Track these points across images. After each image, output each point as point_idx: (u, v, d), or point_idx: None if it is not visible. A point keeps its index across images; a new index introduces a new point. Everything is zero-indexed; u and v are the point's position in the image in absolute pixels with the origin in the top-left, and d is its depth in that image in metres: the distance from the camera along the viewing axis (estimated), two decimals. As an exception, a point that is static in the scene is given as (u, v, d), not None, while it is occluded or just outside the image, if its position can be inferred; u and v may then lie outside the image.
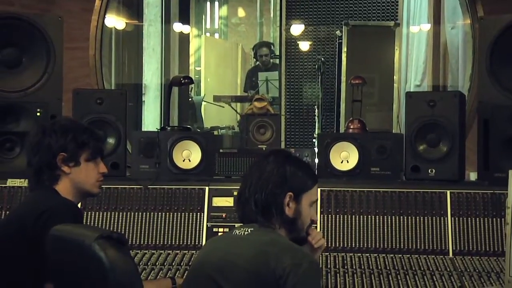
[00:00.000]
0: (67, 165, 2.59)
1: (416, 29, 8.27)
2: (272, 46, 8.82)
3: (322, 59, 6.11)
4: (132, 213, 3.36)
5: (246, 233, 2.31)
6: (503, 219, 3.18)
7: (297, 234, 2.41)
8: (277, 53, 7.57)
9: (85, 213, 3.31)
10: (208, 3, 12.78)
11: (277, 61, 7.70)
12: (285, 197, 2.34)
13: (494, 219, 3.23)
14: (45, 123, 2.81)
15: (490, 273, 3.01)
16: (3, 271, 2.45)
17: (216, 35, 12.88)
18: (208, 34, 12.53)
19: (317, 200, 2.49)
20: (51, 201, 2.51)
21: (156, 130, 3.68)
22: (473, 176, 3.77)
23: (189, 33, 10.70)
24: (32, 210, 2.46)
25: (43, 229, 2.38)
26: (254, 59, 9.11)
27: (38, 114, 3.57)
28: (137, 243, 3.28)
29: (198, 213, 3.33)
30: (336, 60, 6.27)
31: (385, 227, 3.25)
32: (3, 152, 3.59)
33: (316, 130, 5.94)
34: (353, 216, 3.28)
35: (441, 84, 7.79)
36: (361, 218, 3.27)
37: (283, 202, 2.34)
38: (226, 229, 3.26)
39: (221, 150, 3.62)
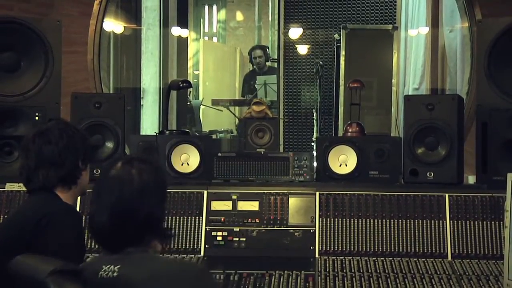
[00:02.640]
0: (83, 169, 2.68)
1: (414, 32, 8.27)
2: (267, 49, 8.82)
3: (320, 62, 6.13)
4: (131, 217, 3.35)
5: (115, 273, 1.96)
6: (501, 222, 3.18)
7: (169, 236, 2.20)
8: (275, 56, 7.58)
9: (84, 217, 3.30)
10: (206, 7, 12.78)
11: (274, 64, 7.71)
12: (163, 210, 2.14)
13: (493, 222, 3.23)
14: (59, 124, 2.75)
15: (489, 276, 3.01)
16: (2, 273, 2.45)
17: (215, 39, 12.88)
18: (206, 38, 12.53)
19: None
20: (52, 206, 2.51)
21: (155, 134, 3.68)
22: (471, 179, 3.77)
23: (187, 37, 10.70)
24: (32, 214, 2.46)
25: (43, 233, 2.39)
26: (250, 63, 9.12)
27: (37, 118, 3.57)
28: (136, 247, 3.27)
29: (197, 217, 3.33)
30: (334, 63, 6.28)
31: (384, 230, 3.24)
32: (1, 156, 3.59)
33: (315, 133, 5.95)
34: (352, 219, 3.28)
35: (439, 87, 7.79)
36: (360, 221, 3.27)
37: (162, 217, 2.13)
38: (225, 233, 3.27)
39: (219, 154, 3.62)
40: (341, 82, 6.04)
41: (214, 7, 12.82)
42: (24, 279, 1.97)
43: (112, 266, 1.97)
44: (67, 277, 1.87)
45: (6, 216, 3.26)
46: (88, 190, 2.65)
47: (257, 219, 3.31)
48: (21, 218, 2.52)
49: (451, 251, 3.19)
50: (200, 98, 10.18)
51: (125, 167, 2.09)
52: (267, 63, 8.47)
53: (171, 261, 2.13)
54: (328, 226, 3.27)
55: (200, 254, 3.23)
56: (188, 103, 9.38)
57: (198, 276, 2.03)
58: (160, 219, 2.10)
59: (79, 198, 3.15)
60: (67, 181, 2.61)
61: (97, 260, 2.07)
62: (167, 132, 3.79)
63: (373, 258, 3.16)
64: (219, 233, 3.28)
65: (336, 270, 3.07)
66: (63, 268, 1.89)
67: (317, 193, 3.34)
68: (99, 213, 2.06)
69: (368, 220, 3.27)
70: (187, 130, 4.39)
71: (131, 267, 1.97)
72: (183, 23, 10.31)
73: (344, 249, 3.22)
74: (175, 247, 3.25)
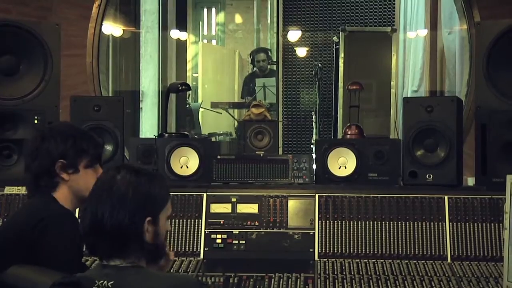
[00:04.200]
0: (66, 172, 2.56)
1: (413, 34, 8.28)
2: (269, 52, 8.84)
3: (319, 65, 6.14)
4: (130, 220, 3.35)
5: None
6: (501, 224, 3.17)
7: (158, 259, 2.15)
8: (274, 59, 7.59)
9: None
10: (205, 10, 12.80)
11: (274, 67, 7.72)
12: (143, 224, 2.03)
13: (492, 224, 3.23)
14: (43, 127, 2.79)
15: (489, 278, 3.01)
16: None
17: (213, 42, 12.90)
18: (205, 41, 12.54)
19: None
20: (48, 209, 2.50)
21: (154, 136, 3.68)
22: (471, 181, 3.77)
23: (186, 40, 10.71)
24: (29, 218, 2.45)
25: (40, 237, 2.39)
26: (251, 65, 9.13)
27: (36, 121, 3.57)
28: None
29: (196, 220, 3.33)
30: (333, 66, 6.29)
31: (383, 232, 3.24)
32: (0, 159, 3.59)
33: (314, 136, 5.95)
34: (351, 221, 3.28)
35: (438, 89, 7.80)
36: (359, 223, 3.27)
37: (142, 230, 2.03)
38: (224, 236, 3.27)
39: (218, 157, 3.62)
40: (340, 84, 6.04)
41: (213, 10, 12.84)
42: None
43: (105, 282, 1.96)
44: None
45: (5, 220, 3.26)
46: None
47: (256, 222, 3.30)
48: (20, 220, 2.52)
49: (450, 253, 3.18)
50: (199, 101, 10.20)
51: (110, 174, 2.08)
52: (268, 66, 8.49)
53: (166, 277, 2.10)
54: (327, 228, 3.27)
55: (199, 257, 3.23)
56: (187, 106, 9.40)
57: None
58: (137, 233, 2.03)
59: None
60: (42, 184, 2.56)
61: (90, 274, 2.05)
62: (166, 135, 3.79)
63: (373, 260, 3.16)
64: (219, 236, 3.28)
65: (335, 273, 3.07)
66: (63, 280, 1.86)
67: (317, 195, 3.34)
68: (84, 217, 2.07)
69: (367, 222, 3.27)
70: (186, 133, 4.39)
71: (124, 283, 1.96)
72: (182, 26, 10.32)
73: (343, 252, 3.22)
74: (174, 249, 3.24)
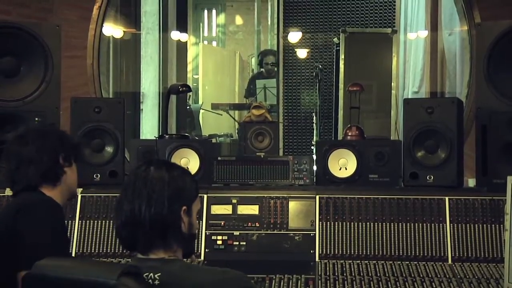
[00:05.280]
0: (66, 166, 2.71)
1: (413, 35, 8.28)
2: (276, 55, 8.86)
3: (320, 66, 6.12)
4: (131, 221, 3.35)
5: (156, 282, 2.00)
6: (502, 225, 3.17)
7: (192, 251, 2.24)
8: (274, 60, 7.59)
9: (83, 221, 3.31)
10: (206, 11, 12.81)
11: (275, 68, 7.72)
12: (180, 213, 2.11)
13: (493, 225, 3.23)
14: (36, 126, 2.91)
15: (489, 279, 3.00)
16: None
17: (214, 43, 12.90)
18: (205, 42, 12.55)
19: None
20: (30, 199, 2.59)
21: (154, 138, 3.68)
22: (471, 182, 3.77)
23: (186, 41, 10.71)
24: (11, 210, 2.52)
25: (20, 224, 2.44)
26: (258, 66, 9.12)
27: (36, 122, 3.56)
28: (136, 251, 3.27)
29: (197, 221, 3.32)
30: (334, 67, 6.28)
31: (384, 234, 3.24)
32: (1, 161, 3.58)
33: (314, 137, 5.94)
34: (352, 223, 3.28)
35: (438, 90, 7.80)
36: (360, 225, 3.27)
37: (180, 218, 2.11)
38: (225, 237, 3.26)
39: (219, 158, 3.62)
40: (341, 85, 6.04)
41: (214, 11, 12.85)
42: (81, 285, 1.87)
43: (151, 274, 2.00)
44: (133, 277, 1.84)
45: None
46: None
47: (257, 223, 3.30)
48: (3, 215, 2.57)
49: (451, 254, 3.18)
50: (200, 102, 10.20)
51: (142, 168, 2.15)
52: (275, 69, 8.51)
53: (213, 271, 2.14)
54: (328, 229, 3.26)
55: (200, 258, 3.22)
56: (188, 107, 9.39)
57: (241, 283, 2.06)
58: (175, 223, 2.09)
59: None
60: (48, 177, 2.66)
61: (135, 264, 2.07)
62: (166, 136, 3.79)
63: (373, 261, 3.16)
64: (219, 237, 3.27)
65: (336, 274, 3.06)
66: (129, 270, 1.86)
67: (317, 196, 3.34)
68: (119, 211, 2.11)
69: (368, 223, 3.27)
70: (186, 134, 4.38)
71: (171, 276, 2.00)
72: (182, 28, 10.32)
73: (344, 253, 3.21)
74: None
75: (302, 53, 6.60)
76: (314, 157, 3.64)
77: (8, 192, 3.36)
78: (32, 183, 2.63)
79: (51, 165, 2.66)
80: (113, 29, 7.89)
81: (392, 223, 3.26)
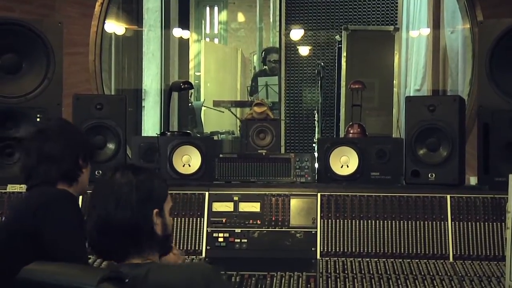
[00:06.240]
0: (84, 167, 2.72)
1: (415, 33, 8.28)
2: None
3: (322, 64, 6.12)
4: (132, 218, 3.35)
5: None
6: (503, 223, 3.17)
7: (169, 249, 2.22)
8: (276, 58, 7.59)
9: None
10: (208, 8, 12.80)
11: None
12: (152, 216, 2.08)
13: (495, 223, 3.23)
14: (58, 122, 2.87)
15: (491, 277, 3.00)
16: (7, 271, 2.47)
17: (216, 40, 12.90)
18: (207, 39, 12.55)
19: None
20: (46, 194, 2.56)
21: (156, 135, 3.68)
22: (473, 180, 3.77)
23: (188, 38, 10.71)
24: (28, 207, 2.50)
25: (42, 221, 2.40)
26: (262, 63, 9.13)
27: (38, 119, 3.57)
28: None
29: (198, 218, 3.33)
30: (336, 65, 6.28)
31: (385, 231, 3.24)
32: (3, 157, 3.58)
33: (316, 134, 5.95)
34: (353, 220, 3.28)
35: (440, 88, 7.79)
36: (361, 222, 3.27)
37: (153, 222, 2.07)
38: (226, 234, 3.27)
39: (221, 155, 3.62)
40: (343, 83, 6.04)
41: (216, 8, 12.84)
42: None
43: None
44: (114, 283, 1.82)
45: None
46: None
47: (258, 221, 3.30)
48: (21, 211, 2.54)
49: (452, 252, 3.18)
50: (202, 99, 10.20)
51: (109, 175, 2.12)
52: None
53: (180, 268, 2.12)
54: (329, 227, 3.27)
55: (201, 255, 3.23)
56: (190, 104, 9.40)
57: (209, 277, 2.01)
58: (148, 226, 2.06)
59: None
60: (68, 177, 2.65)
61: (115, 270, 2.04)
62: (168, 133, 3.79)
63: (375, 259, 3.16)
64: (221, 235, 3.28)
65: (337, 272, 3.07)
66: (109, 275, 1.83)
67: (319, 194, 3.34)
68: (89, 220, 2.09)
69: (369, 221, 3.27)
70: (188, 131, 4.39)
71: (137, 280, 1.95)
72: (184, 25, 10.31)
73: (345, 250, 3.21)
74: (177, 248, 3.24)
75: (304, 50, 6.59)
76: (316, 154, 3.64)
77: (10, 188, 3.39)
78: (51, 180, 2.62)
79: (72, 165, 2.65)
80: (115, 26, 7.89)
81: (393, 221, 3.26)
